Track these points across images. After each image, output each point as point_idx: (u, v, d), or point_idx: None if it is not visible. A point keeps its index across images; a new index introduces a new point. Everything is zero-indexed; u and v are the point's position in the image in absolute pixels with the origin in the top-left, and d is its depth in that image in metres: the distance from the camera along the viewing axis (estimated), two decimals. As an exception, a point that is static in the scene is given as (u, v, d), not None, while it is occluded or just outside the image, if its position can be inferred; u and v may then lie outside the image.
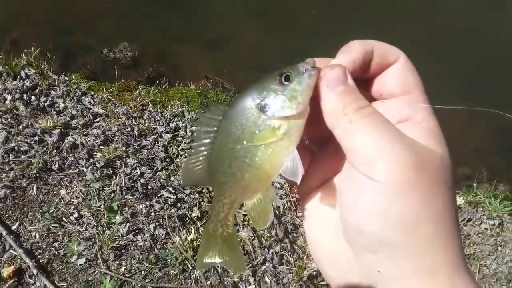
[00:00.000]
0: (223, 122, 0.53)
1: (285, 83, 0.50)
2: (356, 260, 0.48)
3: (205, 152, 0.55)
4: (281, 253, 2.60)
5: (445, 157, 0.46)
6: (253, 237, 2.63)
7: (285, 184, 2.90)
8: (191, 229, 2.60)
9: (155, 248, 2.51)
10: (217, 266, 2.47)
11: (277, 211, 2.77)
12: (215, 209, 0.57)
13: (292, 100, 0.50)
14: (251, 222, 0.56)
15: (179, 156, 2.98)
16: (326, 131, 0.49)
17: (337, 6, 4.43)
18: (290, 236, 2.69)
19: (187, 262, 2.47)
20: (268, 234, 2.66)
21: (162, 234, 2.57)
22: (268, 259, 2.57)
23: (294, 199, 2.86)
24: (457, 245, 0.44)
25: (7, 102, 3.03)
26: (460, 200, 3.18)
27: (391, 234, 0.43)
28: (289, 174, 0.50)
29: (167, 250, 2.51)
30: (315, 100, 0.50)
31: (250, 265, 2.54)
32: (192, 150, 0.56)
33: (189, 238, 2.53)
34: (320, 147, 0.56)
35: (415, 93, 0.49)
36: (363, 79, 0.52)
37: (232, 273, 2.46)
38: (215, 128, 0.53)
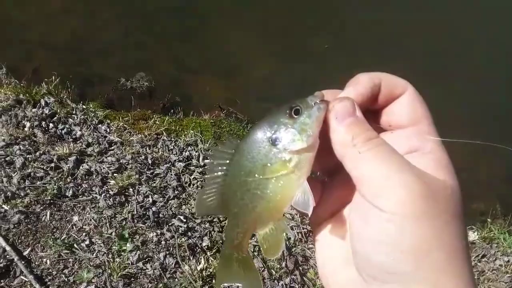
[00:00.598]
0: (235, 155, 0.55)
1: (295, 116, 0.52)
2: None
3: (218, 184, 0.56)
4: (291, 285, 2.57)
5: (455, 188, 0.46)
6: (263, 268, 2.60)
7: (296, 215, 2.88)
8: (201, 258, 2.59)
9: (164, 277, 2.50)
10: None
11: (287, 243, 2.75)
12: (229, 237, 0.58)
13: (302, 133, 0.51)
14: (262, 251, 0.57)
15: (191, 185, 3.00)
16: (336, 162, 0.50)
17: (348, 40, 4.51)
18: (301, 268, 2.66)
19: (196, 292, 2.45)
20: (278, 266, 2.63)
21: (172, 263, 2.56)
22: (278, 292, 2.54)
23: (305, 230, 2.84)
24: (468, 276, 0.44)
25: (26, 129, 3.11)
26: (474, 236, 3.12)
27: (401, 264, 0.43)
28: (301, 206, 0.51)
29: (176, 279, 2.50)
30: (324, 132, 0.51)
31: (260, 297, 2.50)
32: (206, 182, 0.58)
33: (198, 268, 2.52)
34: (330, 178, 0.57)
35: (424, 124, 0.50)
36: (372, 110, 0.53)
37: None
38: (227, 161, 0.55)
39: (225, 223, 2.81)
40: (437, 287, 0.42)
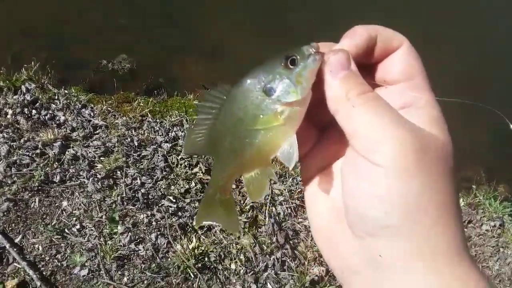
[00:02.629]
0: (227, 101, 0.53)
1: (291, 67, 0.50)
2: (358, 246, 0.48)
3: (208, 126, 0.55)
4: (282, 259, 2.62)
5: (447, 143, 0.46)
6: (254, 244, 2.64)
7: (285, 190, 2.92)
8: (192, 237, 2.62)
9: (157, 257, 2.53)
10: (219, 275, 2.49)
11: (277, 217, 2.79)
12: (214, 178, 0.59)
13: (297, 85, 0.49)
14: (246, 193, 0.58)
15: (179, 165, 3.01)
16: (328, 116, 0.49)
17: (332, 11, 4.48)
18: (291, 242, 2.71)
19: (189, 270, 2.48)
20: (269, 241, 2.67)
21: (164, 243, 2.59)
22: (269, 266, 2.59)
23: (294, 205, 2.88)
24: (460, 230, 0.45)
25: (8, 116, 3.07)
26: (460, 202, 3.19)
27: (393, 218, 0.43)
28: (285, 158, 0.51)
29: (169, 259, 2.53)
30: (316, 85, 0.50)
31: (252, 272, 2.55)
32: (196, 122, 0.57)
33: (190, 247, 2.55)
34: (321, 132, 0.57)
35: (418, 79, 0.49)
36: (366, 65, 0.52)
37: (228, 232, 2.47)
38: (218, 105, 0.54)
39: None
40: (429, 240, 0.43)
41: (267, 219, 2.76)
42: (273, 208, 2.84)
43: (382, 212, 0.44)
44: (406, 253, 0.43)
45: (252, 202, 2.78)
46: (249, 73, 0.52)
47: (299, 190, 2.95)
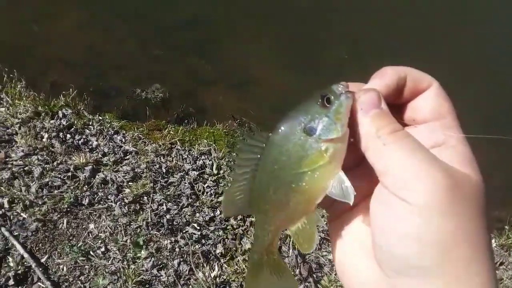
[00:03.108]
0: (267, 148, 0.52)
1: (327, 105, 0.50)
2: (385, 285, 0.47)
3: (247, 180, 0.53)
4: (305, 293, 2.56)
5: (479, 182, 0.46)
6: (276, 276, 2.59)
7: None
8: (214, 265, 2.60)
9: (179, 284, 2.51)
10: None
11: (300, 250, 2.74)
12: (259, 238, 0.56)
13: (337, 122, 0.50)
14: (296, 246, 0.56)
15: (205, 193, 3.03)
16: (358, 154, 0.50)
17: (362, 51, 4.53)
18: (314, 276, 2.64)
19: (210, 299, 2.45)
20: (292, 273, 2.62)
21: (186, 270, 2.57)
22: (291, 299, 2.52)
23: (319, 238, 2.83)
24: (492, 272, 0.43)
25: (44, 139, 3.18)
26: (492, 243, 3.06)
27: (425, 258, 0.42)
28: (340, 195, 0.50)
29: (191, 286, 2.51)
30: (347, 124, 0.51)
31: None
32: (233, 178, 0.55)
33: (212, 275, 2.53)
34: (351, 170, 0.56)
35: (448, 118, 0.49)
36: (396, 105, 0.52)
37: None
38: (258, 156, 0.52)
39: (238, 231, 2.82)
40: (460, 283, 0.41)
41: (290, 250, 2.72)
42: (317, 225, 2.80)
43: (414, 251, 0.43)
44: None
45: (322, 226, 2.74)
46: (286, 117, 0.52)
47: (325, 223, 2.89)
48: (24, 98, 3.50)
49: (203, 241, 2.73)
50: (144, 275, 2.52)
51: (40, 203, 2.78)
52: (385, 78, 0.50)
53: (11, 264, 2.46)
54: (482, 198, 0.45)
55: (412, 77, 0.51)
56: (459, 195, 0.43)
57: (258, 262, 0.56)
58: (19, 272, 2.44)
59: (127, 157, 3.23)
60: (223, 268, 2.62)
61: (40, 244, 2.61)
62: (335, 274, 2.63)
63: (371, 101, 0.49)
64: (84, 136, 3.31)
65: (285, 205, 0.52)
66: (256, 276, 0.57)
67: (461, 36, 4.73)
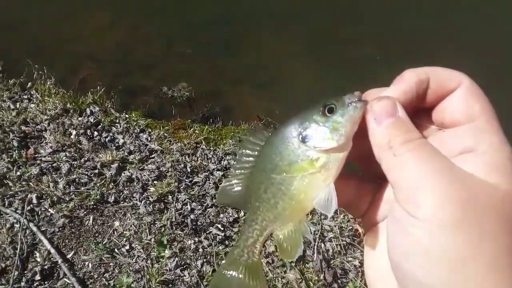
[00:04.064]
0: (265, 147, 0.53)
1: (328, 115, 0.50)
2: None
3: (244, 175, 0.55)
4: (329, 298, 2.51)
5: (510, 192, 0.41)
6: (300, 280, 2.56)
7: (335, 226, 2.83)
8: (238, 267, 2.58)
9: (202, 285, 2.50)
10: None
11: (326, 254, 2.70)
12: (244, 233, 0.56)
13: (333, 132, 0.49)
14: (279, 252, 0.55)
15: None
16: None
17: (392, 51, 4.43)
18: (339, 281, 2.59)
19: (232, 301, 2.43)
20: (316, 278, 2.58)
21: (209, 271, 2.56)
22: (315, 304, 2.48)
23: (344, 243, 2.78)
24: None
25: (72, 136, 3.23)
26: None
27: (433, 275, 0.39)
28: (322, 207, 0.50)
29: (213, 287, 2.49)
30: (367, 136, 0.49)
31: (297, 309, 2.46)
32: (232, 172, 0.57)
33: None
34: (383, 180, 0.53)
35: (481, 120, 0.44)
36: (426, 109, 0.49)
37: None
38: (256, 153, 0.54)
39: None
40: None
41: (315, 255, 2.68)
42: (322, 244, 2.75)
43: (421, 268, 0.40)
44: None
45: (308, 239, 2.71)
46: (287, 121, 0.53)
47: (350, 227, 2.84)
48: (53, 95, 3.56)
49: (226, 242, 2.71)
50: (167, 274, 2.52)
51: (67, 199, 2.81)
52: (402, 83, 0.47)
53: (38, 259, 2.50)
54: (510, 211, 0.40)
55: (436, 78, 0.47)
56: (475, 207, 0.39)
57: (236, 258, 0.56)
58: (46, 267, 2.47)
59: (153, 155, 3.24)
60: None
61: (67, 240, 2.64)
62: (361, 281, 2.58)
63: (385, 111, 0.46)
64: (111, 134, 3.34)
65: (273, 206, 0.53)
66: (228, 270, 0.56)
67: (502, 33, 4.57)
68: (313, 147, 0.50)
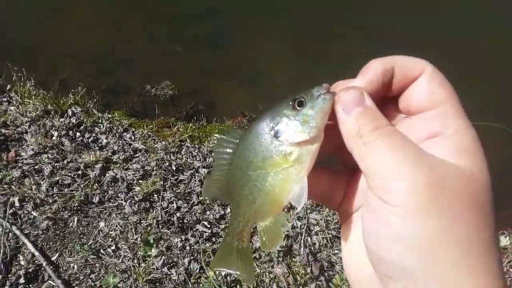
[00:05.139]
0: (240, 145, 0.55)
1: (298, 108, 0.51)
2: None
3: (223, 172, 0.57)
4: (317, 291, 2.52)
5: (477, 174, 0.42)
6: (287, 274, 2.57)
7: (321, 220, 2.84)
8: (225, 264, 2.58)
9: (189, 283, 2.49)
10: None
11: (312, 248, 2.71)
12: (232, 224, 0.58)
13: (304, 125, 0.50)
14: (260, 244, 0.57)
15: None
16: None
17: (379, 42, 4.44)
18: (326, 274, 2.61)
19: (220, 297, 2.43)
20: (303, 271, 2.59)
21: (196, 269, 2.56)
22: (303, 297, 2.50)
23: (330, 236, 2.80)
24: (491, 272, 0.40)
25: (54, 138, 3.18)
26: (506, 241, 3.00)
27: (408, 261, 0.40)
28: (294, 200, 0.51)
29: (201, 285, 2.49)
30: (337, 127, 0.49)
31: (285, 303, 2.47)
32: (213, 168, 0.58)
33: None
34: (356, 171, 0.54)
35: (446, 105, 0.45)
36: (392, 97, 0.50)
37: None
38: (231, 150, 0.55)
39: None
40: (451, 284, 0.39)
41: (302, 249, 2.69)
42: (309, 238, 2.77)
43: (395, 254, 0.41)
44: None
45: (287, 231, 2.72)
46: (258, 117, 0.54)
47: (336, 220, 2.86)
48: (33, 97, 3.50)
49: (213, 239, 2.71)
50: (154, 273, 2.50)
51: (50, 201, 2.78)
52: (368, 73, 0.48)
53: (22, 263, 2.47)
54: (481, 192, 0.42)
55: (401, 66, 0.48)
56: (445, 191, 0.40)
57: (230, 244, 0.59)
58: (30, 270, 2.44)
59: (137, 155, 3.21)
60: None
61: (51, 243, 2.61)
62: (348, 273, 2.59)
63: (352, 100, 0.47)
64: (93, 134, 3.31)
65: (252, 201, 0.54)
66: (225, 255, 0.60)
67: (480, 25, 4.63)
68: (286, 141, 0.51)
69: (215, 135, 3.48)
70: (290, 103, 0.51)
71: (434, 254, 0.39)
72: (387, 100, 0.50)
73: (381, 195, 0.42)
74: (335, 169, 0.57)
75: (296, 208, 0.49)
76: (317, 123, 0.49)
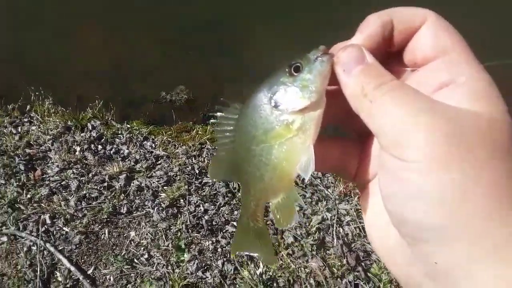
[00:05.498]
0: (239, 120, 0.52)
1: (295, 74, 0.48)
2: (412, 254, 0.41)
3: (227, 150, 0.54)
4: (355, 282, 2.49)
5: (494, 118, 0.38)
6: (323, 267, 2.54)
7: (351, 209, 2.81)
8: (259, 262, 2.56)
9: (225, 284, 2.49)
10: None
11: (345, 239, 2.68)
12: (244, 204, 0.56)
13: (304, 90, 0.47)
14: (274, 221, 0.53)
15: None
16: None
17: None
18: (363, 264, 2.57)
19: (258, 296, 2.42)
20: (339, 263, 2.56)
21: (231, 270, 2.55)
22: (341, 289, 2.47)
23: (363, 224, 2.75)
24: None
25: (77, 153, 3.21)
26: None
27: (435, 218, 0.37)
28: (301, 170, 0.48)
29: (237, 285, 2.48)
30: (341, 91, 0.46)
31: (323, 296, 2.44)
32: (217, 148, 0.57)
33: (258, 272, 2.49)
34: (367, 137, 0.51)
35: (454, 52, 0.42)
36: (395, 52, 0.47)
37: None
38: (232, 128, 0.53)
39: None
40: (485, 236, 0.35)
41: (335, 240, 2.66)
42: (341, 229, 2.73)
43: (420, 212, 0.37)
44: (462, 257, 0.36)
45: (318, 223, 2.69)
46: (255, 89, 0.51)
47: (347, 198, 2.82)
48: (53, 114, 3.54)
49: (244, 238, 2.70)
50: (189, 278, 2.50)
51: (80, 215, 2.80)
52: (366, 29, 0.45)
53: (60, 279, 2.49)
54: (503, 136, 0.38)
55: (400, 18, 0.45)
56: (464, 139, 0.37)
57: (245, 226, 0.57)
58: (68, 286, 2.47)
59: (159, 161, 3.22)
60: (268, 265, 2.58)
61: (85, 256, 2.63)
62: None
63: (352, 59, 0.44)
64: (115, 146, 3.33)
65: (260, 178, 0.52)
66: (242, 237, 0.58)
67: None
68: (286, 109, 0.48)
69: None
70: (286, 69, 0.48)
71: (462, 206, 0.36)
72: (390, 56, 0.47)
73: (395, 153, 0.39)
74: (345, 138, 0.54)
75: (304, 179, 0.46)
76: (317, 87, 0.46)
